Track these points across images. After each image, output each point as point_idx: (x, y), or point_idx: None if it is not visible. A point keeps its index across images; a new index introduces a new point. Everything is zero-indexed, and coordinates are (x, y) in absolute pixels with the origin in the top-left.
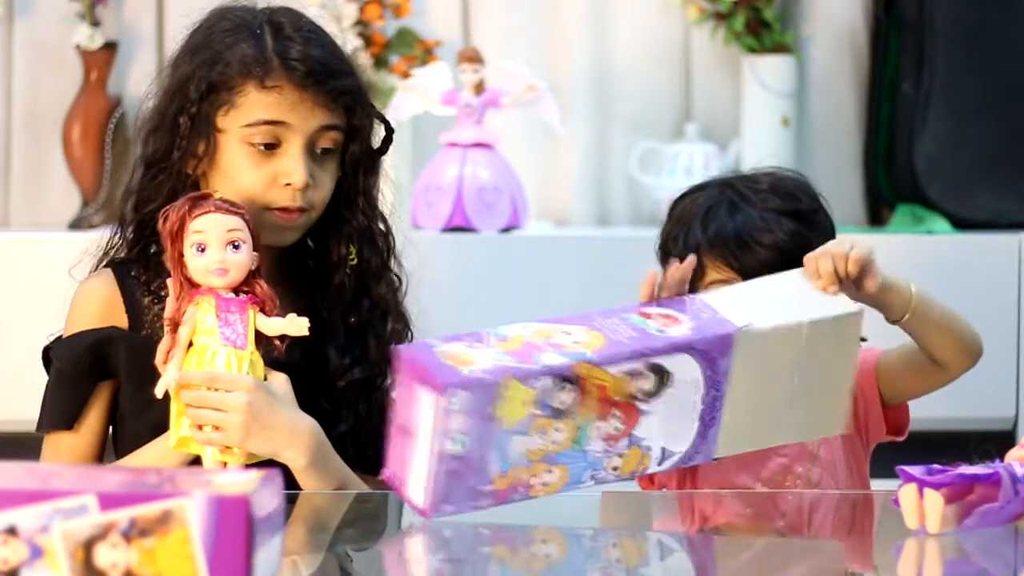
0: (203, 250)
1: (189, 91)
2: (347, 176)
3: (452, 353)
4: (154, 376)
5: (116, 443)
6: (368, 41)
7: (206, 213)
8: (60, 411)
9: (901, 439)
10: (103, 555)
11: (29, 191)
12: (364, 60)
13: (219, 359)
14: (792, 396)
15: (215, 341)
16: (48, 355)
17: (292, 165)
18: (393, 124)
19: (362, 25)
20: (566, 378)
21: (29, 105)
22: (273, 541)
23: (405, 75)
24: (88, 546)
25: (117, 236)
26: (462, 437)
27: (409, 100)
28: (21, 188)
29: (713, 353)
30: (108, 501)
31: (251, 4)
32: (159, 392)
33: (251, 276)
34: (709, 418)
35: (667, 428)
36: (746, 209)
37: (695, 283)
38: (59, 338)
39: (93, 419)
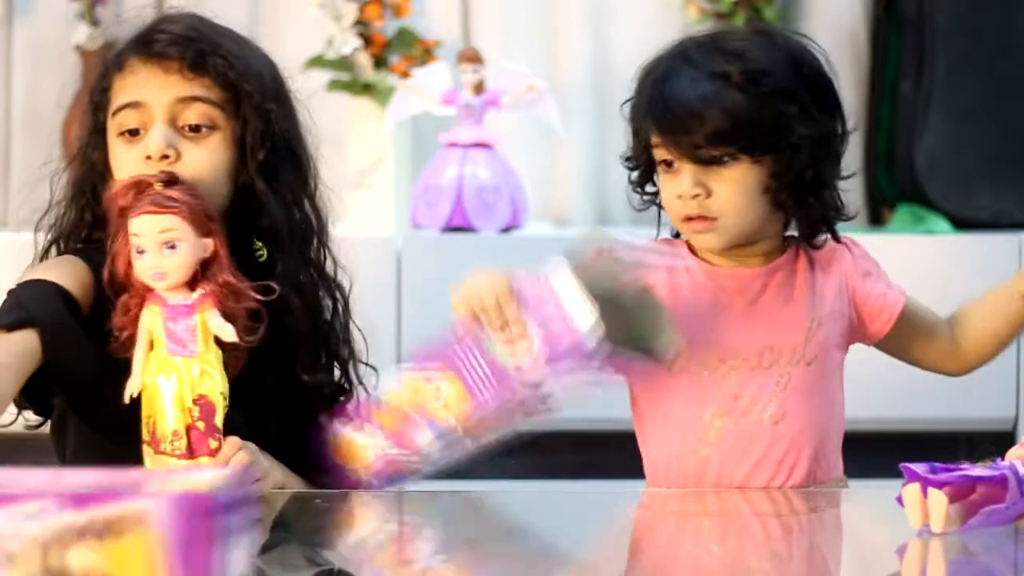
0: (142, 252)
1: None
2: (242, 164)
3: (344, 445)
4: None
5: (75, 411)
6: (368, 41)
7: (141, 214)
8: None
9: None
10: (67, 557)
11: (29, 191)
12: (364, 60)
13: (171, 374)
14: None
15: (164, 352)
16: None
17: (150, 137)
18: (390, 123)
19: (362, 25)
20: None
21: (29, 105)
22: (240, 541)
23: (405, 75)
24: (51, 549)
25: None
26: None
27: (409, 100)
28: (21, 188)
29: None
30: (71, 503)
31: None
32: (127, 399)
33: (210, 263)
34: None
35: None
36: (684, 72)
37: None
38: (36, 281)
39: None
